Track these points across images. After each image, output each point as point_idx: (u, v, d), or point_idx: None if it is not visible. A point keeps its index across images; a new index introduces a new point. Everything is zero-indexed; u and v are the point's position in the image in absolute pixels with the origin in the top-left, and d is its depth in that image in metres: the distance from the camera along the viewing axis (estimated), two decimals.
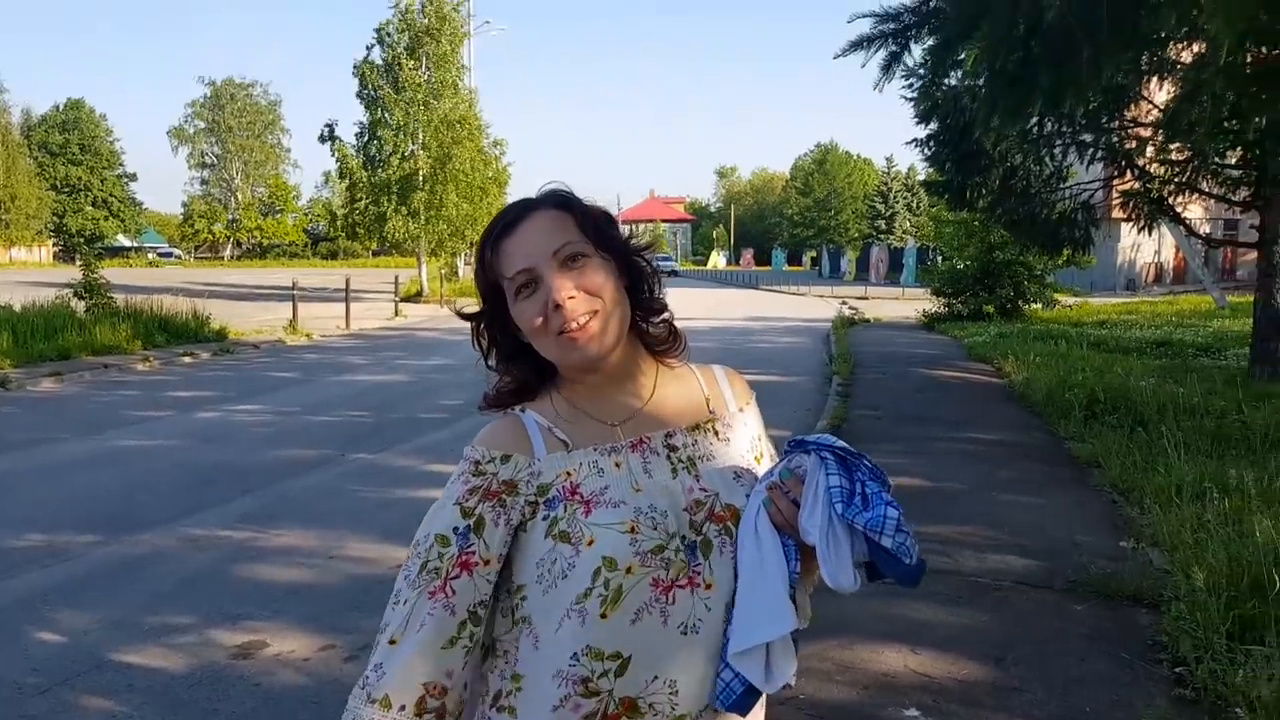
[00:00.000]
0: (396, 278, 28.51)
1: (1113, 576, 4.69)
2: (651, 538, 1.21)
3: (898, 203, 78.51)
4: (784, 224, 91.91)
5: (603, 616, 1.18)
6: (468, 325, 1.36)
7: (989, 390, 11.58)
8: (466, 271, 36.12)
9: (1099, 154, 11.42)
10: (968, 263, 21.65)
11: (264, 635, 4.35)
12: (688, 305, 30.50)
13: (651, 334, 1.37)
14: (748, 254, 79.86)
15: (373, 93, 30.76)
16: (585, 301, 1.24)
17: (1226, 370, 10.96)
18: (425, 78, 30.69)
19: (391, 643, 1.18)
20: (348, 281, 22.59)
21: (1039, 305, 22.14)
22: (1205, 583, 4.11)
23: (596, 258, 1.27)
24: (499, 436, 1.29)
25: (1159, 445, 6.86)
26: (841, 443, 1.24)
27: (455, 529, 1.21)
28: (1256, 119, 9.70)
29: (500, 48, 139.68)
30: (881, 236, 73.05)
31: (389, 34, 30.89)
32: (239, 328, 19.40)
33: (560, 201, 1.30)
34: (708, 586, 1.23)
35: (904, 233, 72.39)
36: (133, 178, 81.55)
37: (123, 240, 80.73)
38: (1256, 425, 7.42)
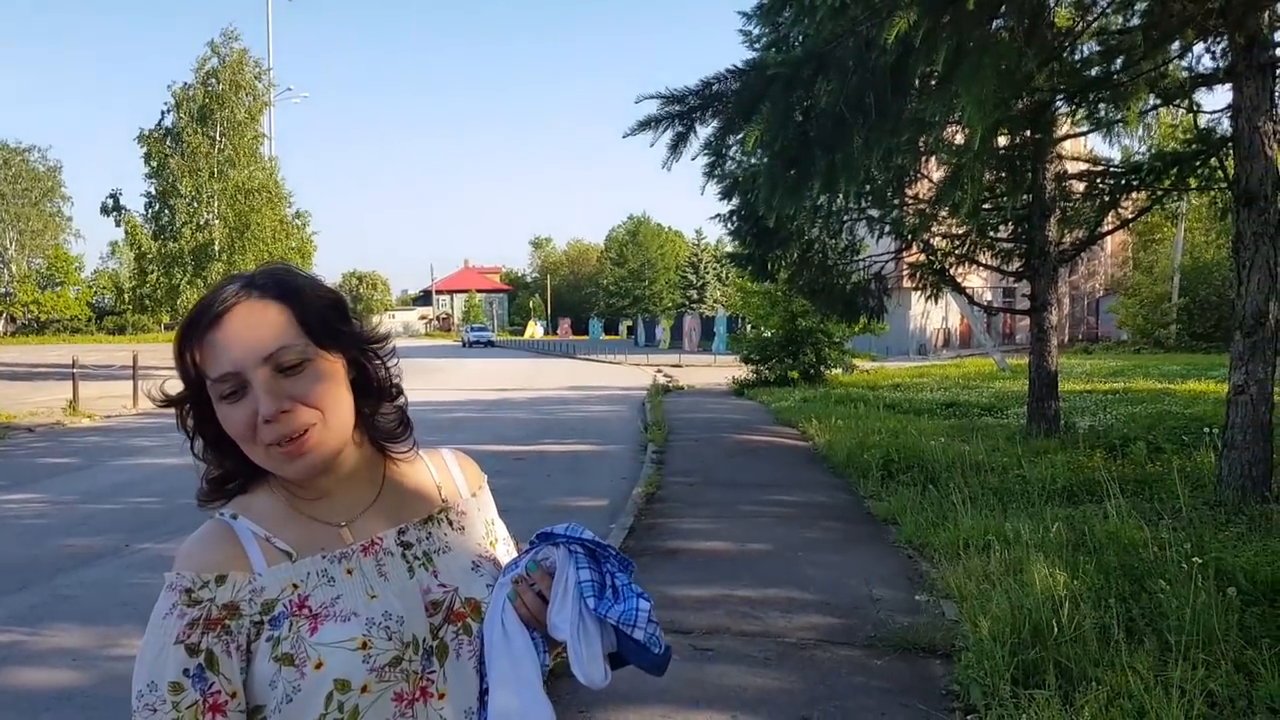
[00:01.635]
0: None
1: (909, 630, 4.87)
2: (387, 650, 1.14)
3: (708, 273, 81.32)
4: (600, 294, 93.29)
5: None
6: None
7: (795, 453, 12.00)
8: None
9: (886, 228, 12.24)
10: (773, 331, 22.56)
11: None
12: (505, 376, 30.29)
13: (379, 426, 1.27)
14: (565, 323, 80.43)
15: (161, 161, 29.40)
16: (301, 414, 1.12)
17: (1007, 428, 11.80)
18: (220, 145, 29.62)
19: None
20: (135, 358, 21.09)
21: (839, 370, 23.30)
22: (991, 632, 4.33)
23: (318, 361, 1.15)
24: (208, 554, 1.14)
25: (949, 501, 7.27)
26: (590, 533, 1.22)
27: (186, 671, 1.08)
28: (1021, 196, 10.67)
29: (305, 114, 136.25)
30: (694, 306, 75.36)
31: (187, 98, 29.70)
32: (10, 410, 17.77)
33: (281, 290, 1.16)
34: (441, 696, 1.17)
35: (715, 302, 74.87)
36: None
37: None
38: (1034, 479, 7.99)
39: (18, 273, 79.02)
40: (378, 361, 1.25)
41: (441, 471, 1.35)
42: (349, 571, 1.17)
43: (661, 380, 25.43)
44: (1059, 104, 9.59)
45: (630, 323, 78.00)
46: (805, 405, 16.42)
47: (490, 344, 65.25)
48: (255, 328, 1.12)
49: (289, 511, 1.20)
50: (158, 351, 39.25)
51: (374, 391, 1.25)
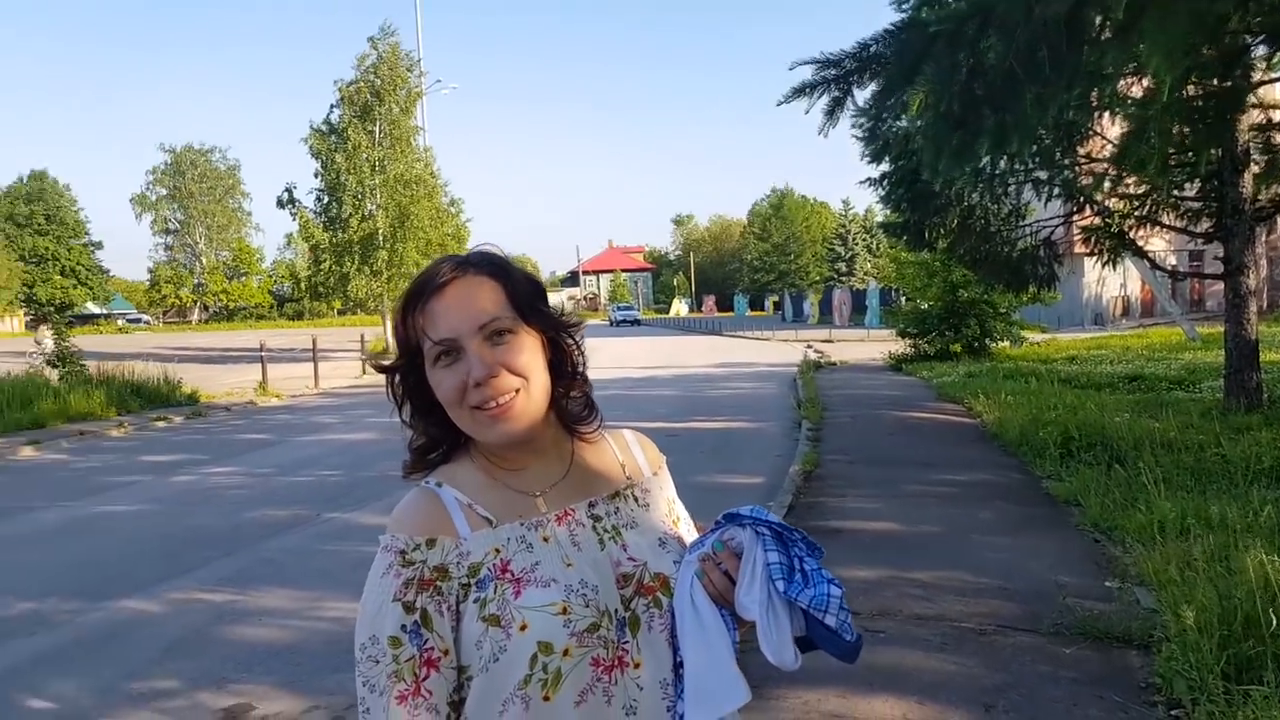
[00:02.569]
0: (363, 336, 28.35)
1: (1100, 618, 4.55)
2: (585, 616, 1.17)
3: (857, 244, 79.34)
4: (744, 269, 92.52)
5: (545, 699, 1.14)
6: None
7: (961, 431, 11.51)
8: None
9: (1055, 190, 11.52)
10: (931, 303, 21.75)
11: (250, 698, 4.33)
12: (652, 353, 30.48)
13: (568, 409, 1.33)
14: (710, 300, 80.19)
15: (326, 158, 30.79)
16: (508, 380, 1.20)
17: (1202, 403, 10.92)
18: (381, 139, 30.77)
19: None
20: (314, 341, 22.56)
21: (1007, 343, 22.25)
22: (1196, 622, 3.97)
23: (523, 334, 1.23)
24: (419, 520, 1.21)
25: (1138, 482, 6.77)
26: (775, 517, 1.23)
27: (404, 627, 1.14)
28: (1212, 150, 9.81)
29: (453, 103, 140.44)
30: (843, 279, 73.69)
31: (351, 94, 30.92)
32: (210, 390, 19.28)
33: (493, 268, 1.25)
34: (636, 665, 1.20)
35: (865, 274, 73.04)
36: (98, 245, 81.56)
37: (92, 308, 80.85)
38: (1236, 458, 7.34)
39: (208, 264, 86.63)
40: (571, 344, 1.31)
41: (624, 451, 1.40)
42: (545, 539, 1.22)
43: (812, 356, 24.96)
44: (1257, 46, 8.74)
45: (776, 298, 77.09)
46: (970, 380, 15.79)
47: (636, 322, 65.92)
48: (472, 299, 1.21)
49: (488, 480, 1.26)
50: (333, 335, 41.88)
51: (567, 372, 1.31)
